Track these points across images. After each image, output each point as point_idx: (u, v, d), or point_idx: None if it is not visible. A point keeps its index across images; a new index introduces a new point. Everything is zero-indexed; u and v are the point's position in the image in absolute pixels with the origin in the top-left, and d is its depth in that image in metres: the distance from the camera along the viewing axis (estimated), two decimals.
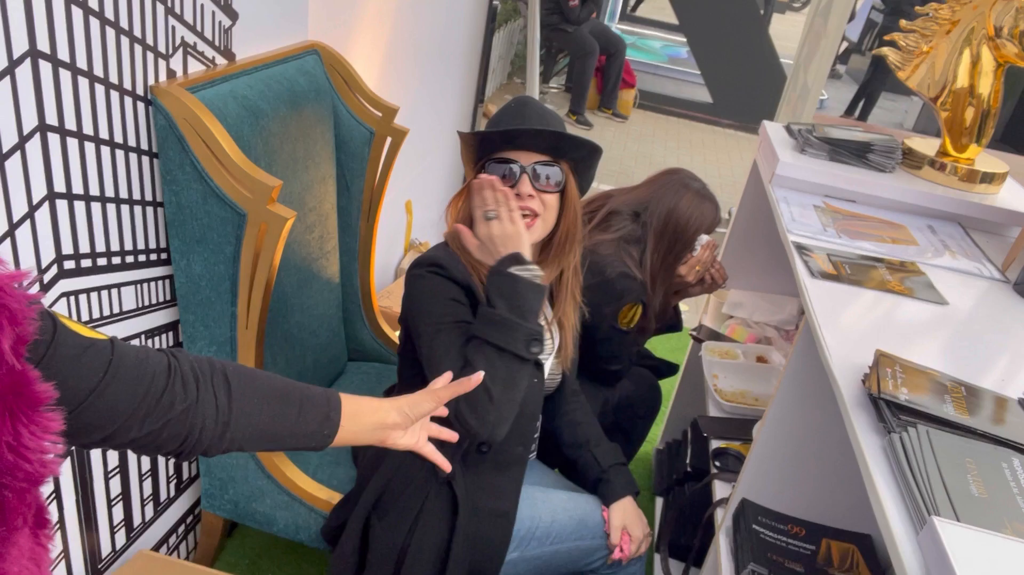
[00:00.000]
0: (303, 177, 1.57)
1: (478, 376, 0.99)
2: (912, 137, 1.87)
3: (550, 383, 1.45)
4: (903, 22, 1.77)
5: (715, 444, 1.72)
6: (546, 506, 1.40)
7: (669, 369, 2.06)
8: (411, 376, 1.34)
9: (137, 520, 1.49)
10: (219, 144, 1.22)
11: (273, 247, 1.28)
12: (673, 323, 1.91)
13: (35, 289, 0.97)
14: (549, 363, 1.42)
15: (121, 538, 1.45)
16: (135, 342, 1.34)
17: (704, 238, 1.77)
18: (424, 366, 1.25)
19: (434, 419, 1.03)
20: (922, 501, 0.77)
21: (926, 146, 1.81)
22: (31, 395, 0.56)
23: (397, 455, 1.30)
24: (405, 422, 0.95)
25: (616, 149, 5.62)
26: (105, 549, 1.41)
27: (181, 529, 1.67)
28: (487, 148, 1.28)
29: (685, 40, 6.65)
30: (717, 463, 1.65)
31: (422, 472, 1.29)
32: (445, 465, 1.04)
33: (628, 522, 1.42)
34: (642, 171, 5.27)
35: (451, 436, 1.04)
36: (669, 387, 2.87)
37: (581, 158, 1.31)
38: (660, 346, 2.92)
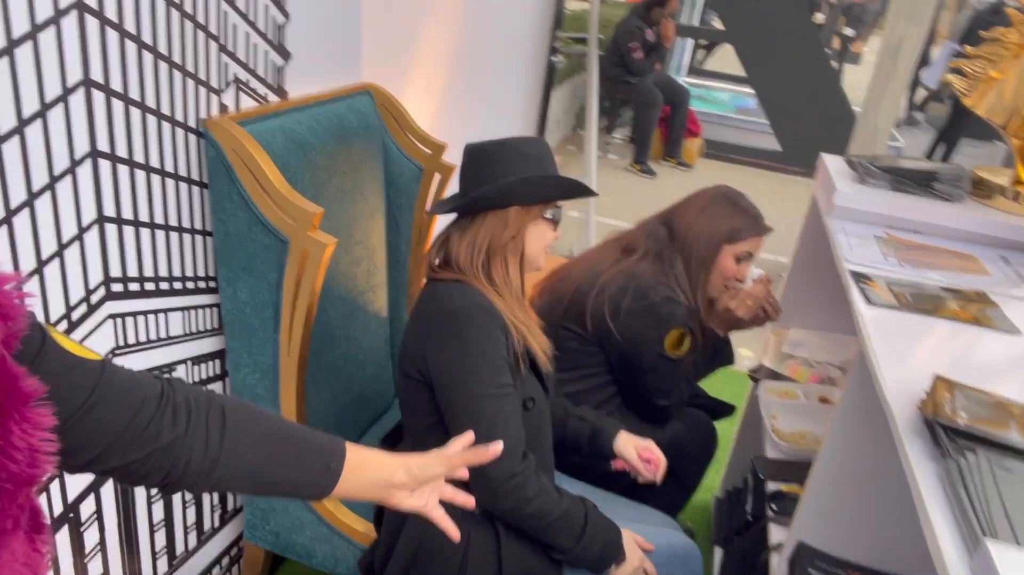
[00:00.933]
0: (350, 210, 1.60)
1: (496, 447, 0.92)
2: (982, 167, 1.78)
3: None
4: (968, 48, 1.70)
5: (772, 487, 1.63)
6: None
7: (724, 410, 1.97)
8: (425, 429, 1.28)
9: (180, 548, 1.50)
10: (264, 173, 1.26)
11: (314, 274, 1.30)
12: (723, 355, 1.83)
13: (81, 311, 0.99)
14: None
15: (163, 565, 1.46)
16: (182, 368, 1.37)
17: (757, 272, 1.71)
18: (451, 423, 1.21)
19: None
20: (977, 524, 0.70)
21: (998, 175, 1.72)
22: (19, 391, 0.54)
23: None
24: (412, 483, 0.87)
25: (680, 196, 5.56)
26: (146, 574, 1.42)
27: (225, 561, 1.68)
28: (549, 195, 1.27)
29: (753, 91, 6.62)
30: (773, 506, 1.55)
31: (457, 512, 1.25)
32: (454, 533, 0.94)
33: (638, 444, 1.47)
34: None
35: (468, 502, 0.95)
36: (727, 430, 2.75)
37: None
38: (717, 388, 2.82)
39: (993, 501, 0.73)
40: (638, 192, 5.38)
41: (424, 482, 0.89)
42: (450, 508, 1.22)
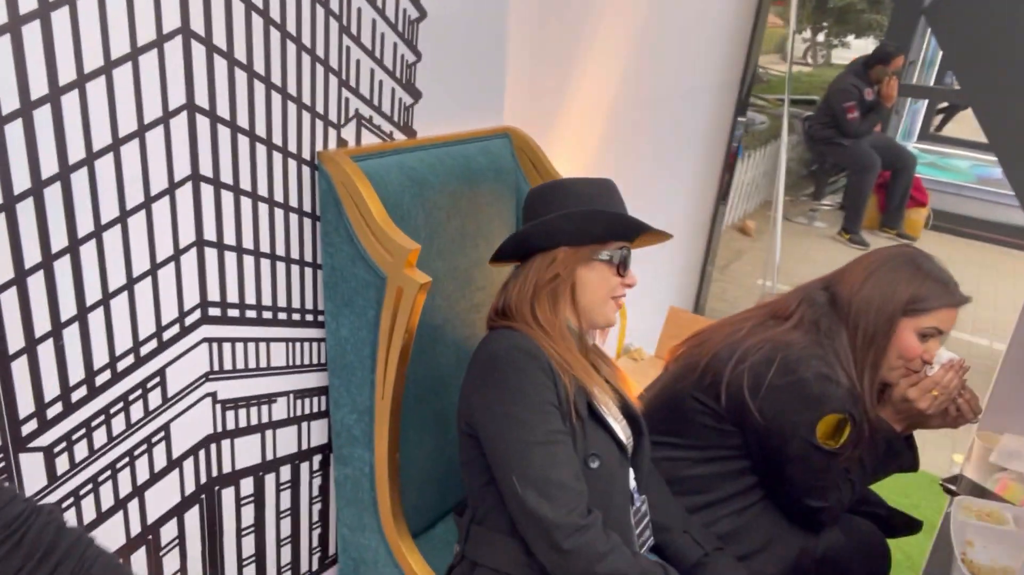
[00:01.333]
0: (472, 254, 1.53)
1: None
2: None
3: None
4: None
5: None
6: None
7: (908, 526, 1.61)
8: (480, 488, 1.17)
9: None
10: (368, 207, 1.22)
11: (408, 312, 1.23)
12: (901, 457, 1.50)
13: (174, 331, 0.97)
14: (618, 429, 1.21)
15: None
16: (283, 400, 1.36)
17: (946, 355, 1.38)
18: (500, 478, 1.09)
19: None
20: None
21: None
22: None
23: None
24: None
25: None
26: None
27: None
28: (621, 234, 1.20)
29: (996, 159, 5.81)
30: None
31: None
32: None
33: None
34: None
35: None
36: (916, 552, 2.30)
37: None
38: (899, 497, 2.37)
39: None
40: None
41: None
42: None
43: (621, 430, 1.23)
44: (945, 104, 9.23)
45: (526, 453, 1.05)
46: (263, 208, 1.20)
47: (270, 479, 1.38)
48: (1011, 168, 5.68)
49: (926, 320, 1.36)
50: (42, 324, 0.94)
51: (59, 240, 0.93)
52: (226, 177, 1.12)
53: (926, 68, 8.04)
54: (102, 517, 1.10)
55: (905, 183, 5.40)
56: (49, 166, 0.90)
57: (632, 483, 1.26)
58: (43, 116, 0.87)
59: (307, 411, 1.42)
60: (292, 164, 1.23)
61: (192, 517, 1.25)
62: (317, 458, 1.48)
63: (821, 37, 12.52)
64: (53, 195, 0.91)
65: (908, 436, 1.51)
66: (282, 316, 1.30)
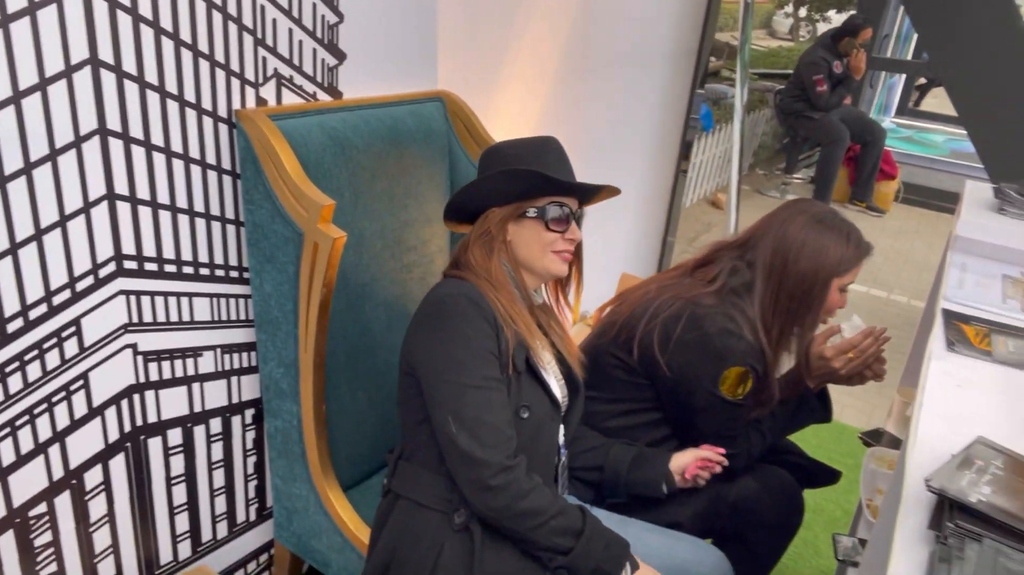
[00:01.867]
0: (401, 215, 1.56)
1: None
2: None
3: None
4: None
5: (854, 572, 1.34)
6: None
7: (825, 476, 1.67)
8: (414, 424, 1.20)
9: (207, 536, 1.52)
10: (283, 164, 1.26)
11: (324, 267, 1.27)
12: (816, 410, 1.55)
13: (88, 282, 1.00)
14: (555, 386, 1.25)
15: (185, 549, 1.48)
16: (209, 354, 1.40)
17: (859, 324, 1.43)
18: (434, 414, 1.12)
19: None
20: None
21: None
22: None
23: (402, 514, 1.20)
24: None
25: None
26: (165, 557, 1.45)
27: (263, 558, 1.68)
28: (543, 190, 1.20)
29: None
30: None
31: (431, 527, 1.15)
32: None
33: (688, 457, 1.41)
34: (893, 270, 4.63)
35: None
36: (828, 505, 2.37)
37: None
38: (826, 450, 2.45)
39: None
40: None
41: None
42: (429, 522, 1.15)
43: (558, 388, 1.27)
44: (923, 80, 9.26)
45: (462, 394, 1.09)
46: (178, 164, 1.23)
47: (199, 431, 1.42)
48: (979, 140, 5.74)
49: (848, 277, 1.41)
50: None
51: None
52: (136, 132, 1.15)
53: (901, 42, 8.05)
54: (22, 459, 1.14)
55: (875, 156, 5.44)
56: None
57: (560, 438, 1.31)
58: None
59: (237, 366, 1.46)
60: (208, 121, 1.25)
61: (118, 464, 1.29)
62: (250, 412, 1.52)
63: (803, 12, 12.49)
64: None
65: (822, 390, 1.57)
66: (205, 271, 1.34)
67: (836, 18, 10.41)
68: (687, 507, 1.47)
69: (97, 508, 1.29)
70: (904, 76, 8.51)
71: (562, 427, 1.31)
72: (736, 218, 3.51)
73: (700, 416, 1.41)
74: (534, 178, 1.19)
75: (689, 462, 1.42)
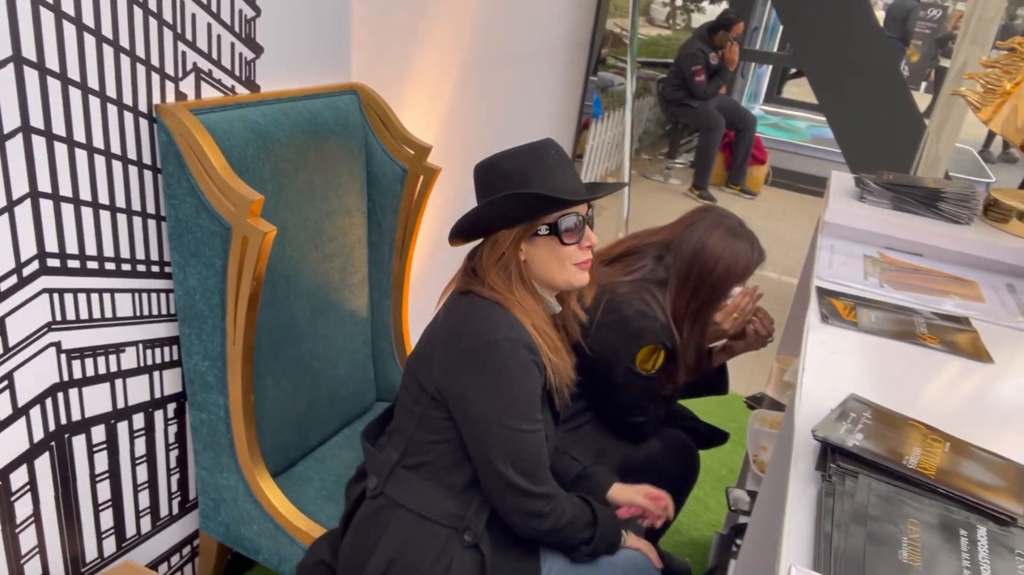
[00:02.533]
0: (322, 206, 1.60)
1: None
2: (999, 189, 1.63)
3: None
4: (982, 58, 1.57)
5: (745, 520, 1.52)
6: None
7: (716, 436, 1.86)
8: (425, 443, 1.24)
9: (131, 531, 1.52)
10: (208, 159, 1.27)
11: (254, 261, 1.30)
12: (716, 383, 1.74)
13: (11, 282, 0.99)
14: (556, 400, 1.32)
15: (110, 546, 1.48)
16: (132, 350, 1.39)
17: (735, 291, 1.61)
18: (483, 454, 1.17)
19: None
20: (814, 554, 0.61)
21: (1014, 198, 1.57)
22: None
23: (403, 524, 1.23)
24: None
25: None
26: (90, 554, 1.44)
27: (187, 550, 1.69)
28: (539, 211, 1.18)
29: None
30: (738, 542, 1.44)
31: (439, 542, 1.22)
32: None
33: (630, 496, 1.42)
34: (766, 246, 5.00)
35: None
36: (715, 463, 2.61)
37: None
38: (718, 416, 2.68)
39: (847, 532, 0.64)
40: None
41: None
42: (437, 537, 1.21)
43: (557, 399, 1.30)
44: (794, 71, 9.92)
45: (519, 440, 1.15)
46: (100, 160, 1.22)
47: (123, 427, 1.42)
48: (837, 127, 6.24)
49: (748, 279, 1.61)
50: None
51: None
52: (59, 129, 1.14)
53: (768, 34, 8.60)
54: None
55: (747, 142, 5.83)
56: None
57: None
58: None
59: (158, 360, 1.46)
60: (128, 117, 1.25)
61: (43, 464, 1.28)
62: (172, 406, 1.52)
63: (680, 1, 13.03)
64: None
65: (722, 366, 1.75)
66: (126, 267, 1.33)
67: (709, 8, 10.93)
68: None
69: (23, 509, 1.27)
70: (771, 66, 9.10)
71: None
72: (628, 203, 3.71)
73: (619, 391, 1.55)
74: (539, 201, 1.15)
75: (630, 500, 1.42)
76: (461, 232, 1.21)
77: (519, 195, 1.14)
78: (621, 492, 1.43)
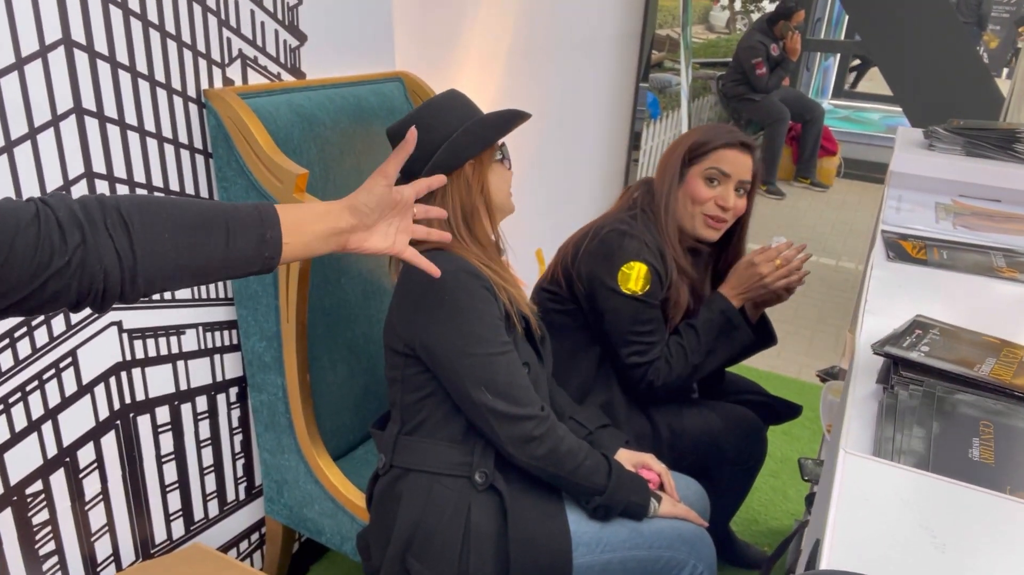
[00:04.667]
0: None
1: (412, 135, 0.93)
2: None
3: None
4: None
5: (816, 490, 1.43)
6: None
7: (788, 411, 1.76)
8: (414, 403, 1.23)
9: (199, 515, 1.55)
10: (255, 139, 1.30)
11: None
12: (761, 337, 1.61)
13: None
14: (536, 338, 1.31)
15: (178, 528, 1.51)
16: (192, 332, 1.43)
17: (781, 238, 1.51)
18: (462, 390, 1.16)
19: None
20: (878, 447, 0.56)
21: None
22: None
23: (417, 487, 1.21)
24: (362, 220, 0.86)
25: (811, 217, 5.20)
26: (159, 535, 1.47)
27: (255, 537, 1.71)
28: (491, 137, 1.22)
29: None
30: (811, 512, 1.35)
31: (453, 493, 1.20)
32: (433, 270, 1.00)
33: (635, 461, 1.35)
34: (840, 239, 4.81)
35: (443, 236, 1.01)
36: (777, 450, 2.48)
37: None
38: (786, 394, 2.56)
39: (917, 433, 0.58)
40: (765, 214, 5.09)
41: (375, 212, 0.87)
42: (450, 488, 1.19)
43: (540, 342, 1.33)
44: (857, 62, 9.60)
45: (490, 364, 1.14)
46: (152, 143, 1.27)
47: (186, 409, 1.45)
48: (912, 115, 5.99)
49: (707, 162, 1.48)
50: None
51: None
52: (110, 111, 1.18)
53: (832, 26, 8.35)
54: (16, 437, 1.16)
55: (815, 133, 5.64)
56: None
57: None
58: None
59: (219, 344, 1.49)
60: (178, 101, 1.29)
61: (109, 441, 1.32)
62: (234, 390, 1.55)
63: (739, 5, 12.83)
64: None
65: (762, 318, 1.62)
66: None
67: (770, 7, 10.72)
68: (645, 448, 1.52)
69: (91, 486, 1.31)
70: (838, 60, 8.82)
71: None
72: None
73: (607, 318, 1.46)
74: (505, 117, 1.21)
75: (630, 460, 1.36)
76: (436, 169, 1.19)
77: (493, 115, 1.20)
78: (625, 457, 1.35)
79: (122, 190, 1.24)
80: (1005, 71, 10.35)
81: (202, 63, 1.32)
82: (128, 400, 1.34)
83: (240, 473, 1.62)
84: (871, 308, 0.90)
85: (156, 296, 1.34)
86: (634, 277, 1.43)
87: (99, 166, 1.19)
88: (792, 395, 1.80)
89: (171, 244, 0.73)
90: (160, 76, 1.25)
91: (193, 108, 1.32)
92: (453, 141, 1.19)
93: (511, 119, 1.22)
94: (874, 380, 0.74)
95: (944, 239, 1.17)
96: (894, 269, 1.05)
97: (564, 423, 1.40)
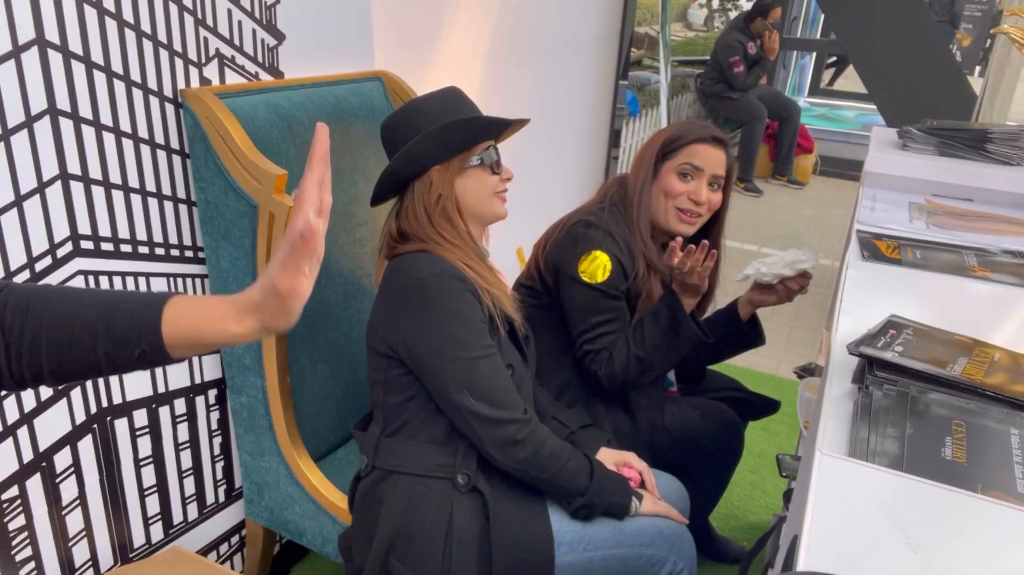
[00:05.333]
0: (350, 190, 1.61)
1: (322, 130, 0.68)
2: None
3: None
4: None
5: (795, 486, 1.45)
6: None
7: (767, 406, 1.78)
8: (397, 405, 1.23)
9: (177, 518, 1.53)
10: (233, 139, 1.29)
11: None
12: (749, 336, 1.63)
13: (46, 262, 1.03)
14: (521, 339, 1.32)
15: (157, 532, 1.49)
16: None
17: (792, 255, 1.50)
18: (444, 393, 1.16)
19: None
20: (854, 447, 0.57)
21: None
22: None
23: (400, 489, 1.21)
24: (260, 307, 0.71)
25: (787, 214, 5.26)
26: (137, 539, 1.45)
27: (235, 539, 1.70)
28: (479, 136, 1.24)
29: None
30: (788, 508, 1.37)
31: (436, 495, 1.20)
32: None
33: (616, 459, 1.35)
34: (815, 236, 4.87)
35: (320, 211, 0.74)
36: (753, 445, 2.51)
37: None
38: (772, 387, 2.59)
39: (887, 432, 0.59)
40: (743, 211, 5.13)
41: (270, 298, 0.70)
42: (433, 490, 1.19)
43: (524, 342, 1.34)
44: (834, 59, 9.70)
45: (472, 368, 1.14)
46: (128, 144, 1.25)
47: (164, 411, 1.44)
48: (887, 112, 6.05)
49: (680, 157, 1.48)
50: None
51: None
52: (85, 112, 1.17)
53: (808, 24, 8.43)
54: None
55: (792, 131, 5.70)
56: None
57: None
58: None
59: None
60: (154, 101, 1.28)
61: (86, 446, 1.30)
62: (212, 392, 1.54)
63: (716, 2, 12.91)
64: None
65: (752, 317, 1.64)
66: (160, 251, 1.36)
67: (747, 6, 10.80)
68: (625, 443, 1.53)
69: (68, 491, 1.29)
70: (814, 59, 8.91)
71: None
72: None
73: (566, 307, 1.48)
74: (474, 124, 1.21)
75: (612, 459, 1.36)
76: (393, 178, 1.22)
77: (461, 121, 1.20)
78: (606, 456, 1.36)
79: (98, 191, 1.22)
80: (978, 69, 10.52)
81: (179, 63, 1.30)
82: (105, 403, 1.32)
83: (220, 476, 1.61)
84: (846, 308, 0.92)
85: None
86: (595, 266, 1.44)
87: (74, 167, 1.17)
88: (770, 391, 1.82)
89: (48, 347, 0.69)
90: (136, 76, 1.23)
91: (170, 108, 1.31)
92: (410, 147, 1.20)
93: (486, 126, 1.22)
94: (849, 380, 0.75)
95: (918, 239, 1.19)
96: (869, 269, 1.06)
97: (546, 423, 1.41)
